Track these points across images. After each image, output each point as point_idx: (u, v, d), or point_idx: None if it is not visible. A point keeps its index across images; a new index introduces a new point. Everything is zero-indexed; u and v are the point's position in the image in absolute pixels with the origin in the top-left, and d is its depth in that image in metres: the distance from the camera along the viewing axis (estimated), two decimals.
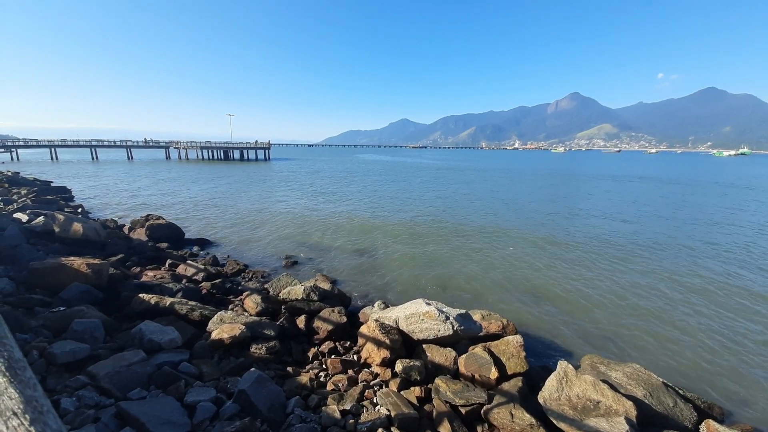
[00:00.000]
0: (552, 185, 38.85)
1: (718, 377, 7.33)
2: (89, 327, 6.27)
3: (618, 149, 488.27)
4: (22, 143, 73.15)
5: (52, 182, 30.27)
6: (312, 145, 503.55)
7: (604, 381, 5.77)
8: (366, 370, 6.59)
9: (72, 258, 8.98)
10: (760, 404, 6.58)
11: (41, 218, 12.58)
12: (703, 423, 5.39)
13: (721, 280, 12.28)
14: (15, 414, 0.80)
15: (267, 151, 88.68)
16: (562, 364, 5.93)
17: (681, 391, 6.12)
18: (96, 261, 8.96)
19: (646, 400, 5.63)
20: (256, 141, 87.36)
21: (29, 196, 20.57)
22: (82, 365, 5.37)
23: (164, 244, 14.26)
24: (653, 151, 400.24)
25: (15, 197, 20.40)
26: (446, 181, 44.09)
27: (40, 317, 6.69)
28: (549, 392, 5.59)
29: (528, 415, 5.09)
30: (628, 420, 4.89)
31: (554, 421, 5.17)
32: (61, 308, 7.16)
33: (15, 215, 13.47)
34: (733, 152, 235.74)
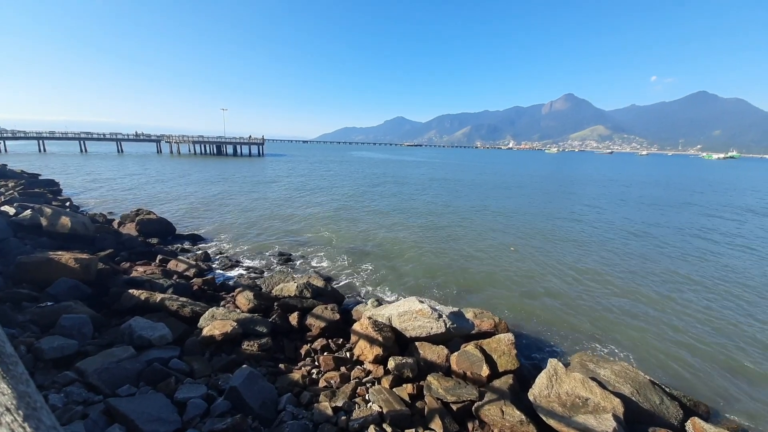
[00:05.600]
0: (547, 194, 39.14)
1: (704, 376, 7.48)
2: (77, 323, 6.18)
3: (610, 151, 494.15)
4: (9, 135, 71.53)
5: (39, 175, 29.67)
6: (307, 142, 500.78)
7: (593, 378, 5.86)
8: (358, 367, 6.61)
9: (60, 252, 8.83)
10: (745, 403, 6.74)
11: (28, 211, 12.34)
12: (688, 420, 5.51)
13: (709, 281, 12.52)
14: (8, 410, 0.78)
15: (261, 146, 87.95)
16: (552, 362, 6.00)
17: (667, 389, 6.24)
18: (84, 256, 8.81)
19: (633, 398, 5.73)
20: (250, 136, 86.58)
21: (16, 189, 20.13)
22: (70, 361, 5.30)
23: (155, 240, 14.08)
24: (644, 153, 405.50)
25: (2, 190, 19.97)
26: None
27: (28, 312, 6.58)
28: (539, 389, 5.66)
29: (518, 412, 5.16)
30: (615, 417, 4.98)
31: (544, 418, 5.24)
32: (49, 303, 7.05)
33: (2, 208, 13.19)
34: (722, 155, 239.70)
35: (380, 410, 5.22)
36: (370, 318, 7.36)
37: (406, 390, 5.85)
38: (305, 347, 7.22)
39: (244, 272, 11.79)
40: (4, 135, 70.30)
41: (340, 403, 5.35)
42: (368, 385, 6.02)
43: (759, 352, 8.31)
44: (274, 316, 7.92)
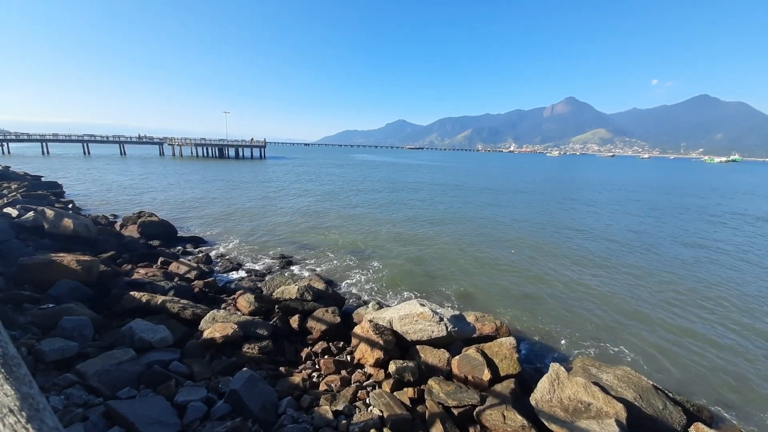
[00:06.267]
0: (549, 198, 39.04)
1: (707, 381, 7.42)
2: (78, 324, 6.18)
3: (612, 154, 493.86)
4: (13, 137, 72.00)
5: (42, 177, 29.82)
6: (308, 144, 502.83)
7: (596, 383, 5.81)
8: (359, 370, 6.58)
9: (62, 254, 8.86)
10: (748, 408, 6.68)
11: (31, 213, 12.39)
12: (692, 426, 5.46)
13: (711, 287, 12.45)
14: (11, 411, 0.78)
15: (262, 149, 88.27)
16: (555, 366, 5.96)
17: (670, 394, 6.18)
18: (86, 257, 8.84)
19: (636, 403, 5.68)
20: (252, 139, 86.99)
21: (19, 191, 20.22)
22: (70, 363, 5.30)
23: (156, 242, 14.11)
24: (646, 156, 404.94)
25: (5, 192, 20.07)
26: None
27: (29, 314, 6.59)
28: (541, 394, 5.62)
29: (520, 417, 5.12)
30: (618, 422, 4.93)
31: (546, 423, 5.20)
32: (50, 305, 7.06)
33: (5, 210, 13.25)
34: (724, 159, 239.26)
35: (381, 414, 5.20)
36: (371, 321, 7.34)
37: (407, 394, 5.82)
38: (306, 350, 7.20)
39: (245, 275, 11.79)
40: (8, 137, 70.77)
41: (340, 407, 5.32)
42: (369, 388, 6.00)
43: (762, 358, 8.24)
44: (274, 319, 7.90)
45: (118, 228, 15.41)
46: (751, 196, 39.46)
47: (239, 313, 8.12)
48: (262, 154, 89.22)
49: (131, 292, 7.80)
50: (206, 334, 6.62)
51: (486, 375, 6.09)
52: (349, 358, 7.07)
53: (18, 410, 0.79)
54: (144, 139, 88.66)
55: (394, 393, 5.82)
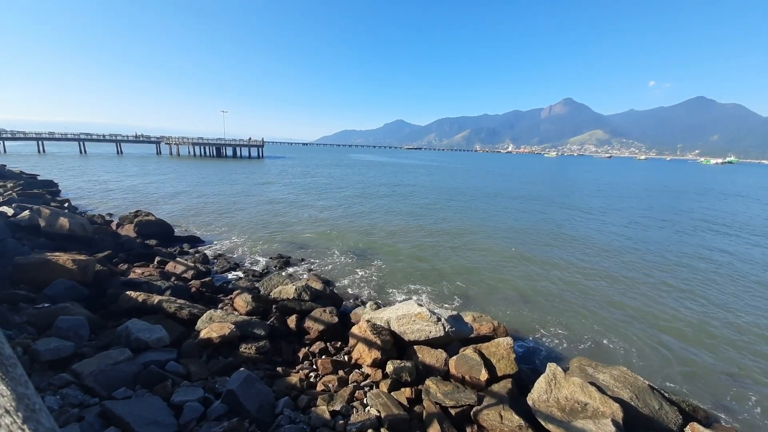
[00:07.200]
0: (546, 200, 39.15)
1: (703, 381, 7.46)
2: (74, 324, 6.14)
3: (609, 155, 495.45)
4: (9, 135, 71.52)
5: (38, 175, 29.62)
6: (306, 144, 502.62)
7: (592, 383, 5.84)
8: (357, 370, 6.57)
9: (58, 253, 8.80)
10: (743, 408, 6.72)
11: (27, 212, 12.31)
12: (687, 426, 5.48)
13: (707, 289, 12.53)
14: (7, 412, 0.78)
15: (260, 149, 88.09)
16: (551, 366, 5.98)
17: (666, 394, 6.22)
18: (82, 257, 8.78)
19: (632, 403, 5.70)
20: (250, 138, 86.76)
21: (15, 190, 20.08)
22: (66, 363, 5.27)
23: (153, 241, 14.06)
24: (643, 157, 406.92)
25: (1, 190, 19.93)
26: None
27: (25, 313, 6.55)
28: (538, 394, 5.64)
29: (517, 417, 5.13)
30: (614, 422, 4.95)
31: (542, 423, 5.21)
32: (46, 305, 7.01)
33: (0, 209, 13.15)
34: (720, 160, 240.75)
35: (378, 414, 5.19)
36: (368, 321, 7.33)
37: (404, 394, 5.82)
38: (303, 350, 7.19)
39: (242, 274, 11.76)
40: (4, 135, 70.24)
41: (337, 407, 5.32)
42: (366, 388, 5.99)
43: (757, 358, 8.30)
44: (272, 319, 7.89)
45: (114, 227, 15.33)
46: (743, 198, 39.76)
47: (236, 313, 8.10)
48: (260, 154, 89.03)
49: (127, 292, 7.76)
50: (203, 334, 6.60)
51: (483, 375, 6.10)
52: (346, 358, 7.06)
53: (14, 411, 0.79)
54: (141, 138, 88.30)
55: (392, 393, 5.82)
